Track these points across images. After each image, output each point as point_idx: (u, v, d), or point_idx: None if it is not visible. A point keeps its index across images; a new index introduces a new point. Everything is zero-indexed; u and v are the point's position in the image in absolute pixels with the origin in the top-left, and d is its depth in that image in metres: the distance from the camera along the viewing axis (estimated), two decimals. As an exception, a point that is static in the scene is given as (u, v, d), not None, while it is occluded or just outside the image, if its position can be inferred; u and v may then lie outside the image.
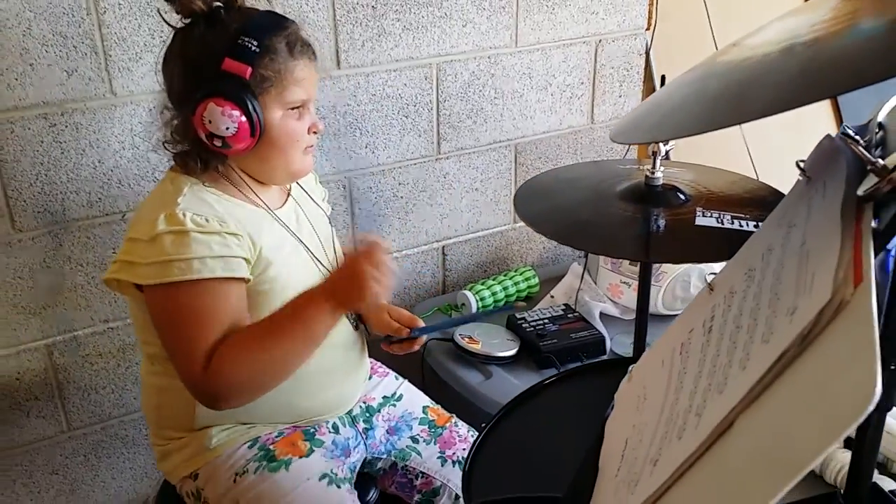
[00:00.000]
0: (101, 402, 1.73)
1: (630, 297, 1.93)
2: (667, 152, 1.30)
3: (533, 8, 1.97)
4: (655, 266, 1.91)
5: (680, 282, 1.88)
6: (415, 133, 1.91)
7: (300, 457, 1.23)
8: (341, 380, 1.31)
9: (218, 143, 1.11)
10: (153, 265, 1.08)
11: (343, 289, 1.11)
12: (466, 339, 1.76)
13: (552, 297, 2.03)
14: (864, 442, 0.61)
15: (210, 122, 1.09)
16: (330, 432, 1.29)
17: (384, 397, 1.42)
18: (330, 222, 1.37)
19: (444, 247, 2.09)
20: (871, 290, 0.41)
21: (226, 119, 1.09)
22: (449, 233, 2.07)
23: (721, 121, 0.59)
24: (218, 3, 1.12)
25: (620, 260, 1.94)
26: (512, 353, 1.74)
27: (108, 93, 1.52)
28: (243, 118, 1.09)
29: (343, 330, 1.28)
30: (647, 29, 2.19)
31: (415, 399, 1.45)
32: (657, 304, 1.87)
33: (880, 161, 0.51)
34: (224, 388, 1.09)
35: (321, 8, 1.69)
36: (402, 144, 1.91)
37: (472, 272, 2.16)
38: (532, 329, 1.79)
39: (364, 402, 1.38)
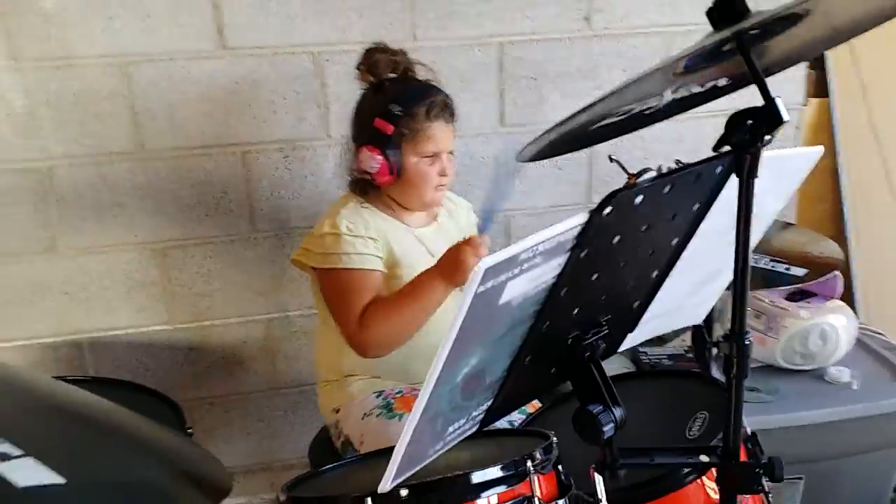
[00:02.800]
0: (301, 370, 2.25)
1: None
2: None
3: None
4: (778, 320, 2.06)
5: (799, 337, 2.00)
6: (567, 183, 2.26)
7: None
8: None
9: (368, 177, 1.59)
10: (319, 255, 1.59)
11: (449, 267, 1.51)
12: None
13: (683, 340, 2.23)
14: (731, 399, 0.89)
15: (363, 161, 1.58)
16: None
17: None
18: None
19: (592, 285, 2.38)
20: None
21: (371, 161, 1.57)
22: (597, 274, 2.37)
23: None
24: (390, 75, 1.60)
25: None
26: (620, 377, 1.98)
27: (326, 136, 2.08)
28: (384, 161, 1.56)
29: (449, 309, 1.67)
30: (804, 104, 2.34)
31: None
32: (777, 356, 2.00)
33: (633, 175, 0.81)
34: (371, 339, 1.54)
35: (491, 80, 2.13)
36: (555, 192, 2.26)
37: (618, 311, 2.41)
38: (648, 361, 2.03)
39: (471, 385, 1.74)
